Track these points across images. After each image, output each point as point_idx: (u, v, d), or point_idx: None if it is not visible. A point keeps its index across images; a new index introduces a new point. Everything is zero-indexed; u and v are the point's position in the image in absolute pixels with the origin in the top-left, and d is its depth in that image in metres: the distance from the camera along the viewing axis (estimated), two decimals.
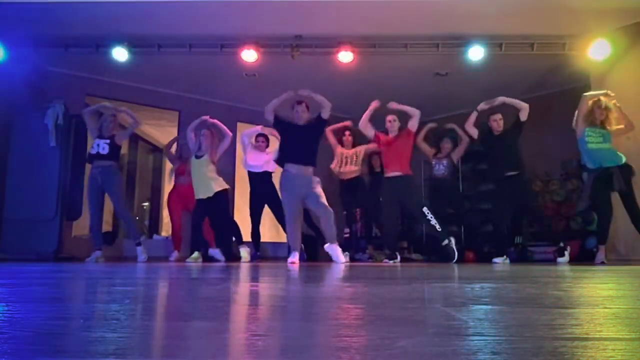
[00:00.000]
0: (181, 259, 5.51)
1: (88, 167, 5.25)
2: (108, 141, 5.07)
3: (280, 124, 4.93)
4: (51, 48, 5.49)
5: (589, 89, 5.62)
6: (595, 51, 5.33)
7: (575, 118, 4.71)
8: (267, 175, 5.80)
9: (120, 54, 5.52)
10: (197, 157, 5.27)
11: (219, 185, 5.22)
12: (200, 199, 5.18)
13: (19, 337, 0.78)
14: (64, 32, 5.34)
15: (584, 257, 5.82)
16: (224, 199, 5.28)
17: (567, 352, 0.69)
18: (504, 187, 5.04)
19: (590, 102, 4.64)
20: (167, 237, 7.21)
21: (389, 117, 5.36)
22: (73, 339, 0.78)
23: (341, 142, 5.99)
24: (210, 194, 5.14)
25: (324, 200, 4.70)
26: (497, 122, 5.14)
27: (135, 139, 9.10)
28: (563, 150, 6.61)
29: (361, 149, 5.90)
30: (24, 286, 1.84)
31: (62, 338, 0.78)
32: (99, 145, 5.05)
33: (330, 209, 4.69)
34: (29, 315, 1.03)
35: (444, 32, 5.38)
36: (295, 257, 4.62)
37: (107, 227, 8.27)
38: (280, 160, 4.94)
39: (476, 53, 5.51)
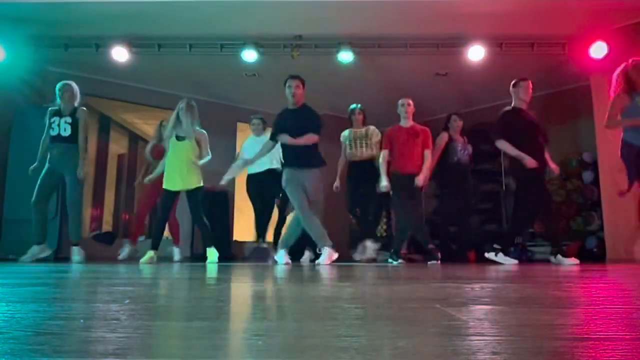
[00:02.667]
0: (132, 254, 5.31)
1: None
2: (70, 119, 4.58)
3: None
4: (51, 48, 5.50)
5: (589, 89, 5.63)
6: (595, 51, 5.34)
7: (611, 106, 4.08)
8: (269, 173, 5.41)
9: (120, 54, 5.53)
10: (178, 138, 4.60)
11: (199, 179, 4.66)
12: (169, 190, 4.58)
13: (19, 337, 0.78)
14: (64, 32, 5.34)
15: (584, 257, 5.82)
16: (201, 195, 4.75)
17: (567, 352, 0.69)
18: (532, 181, 4.33)
19: (622, 67, 4.09)
20: (166, 237, 7.20)
21: (402, 101, 4.95)
22: (73, 339, 0.78)
23: (350, 123, 5.57)
24: (189, 187, 4.58)
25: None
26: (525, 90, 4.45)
27: (135, 139, 9.11)
28: (563, 150, 6.61)
29: (374, 131, 5.42)
30: (24, 286, 1.84)
31: (62, 338, 0.78)
32: (59, 126, 4.53)
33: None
34: (29, 315, 1.03)
35: (444, 32, 5.38)
36: (330, 256, 4.10)
37: (107, 227, 8.28)
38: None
39: (476, 53, 5.51)
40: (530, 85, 4.54)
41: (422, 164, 4.84)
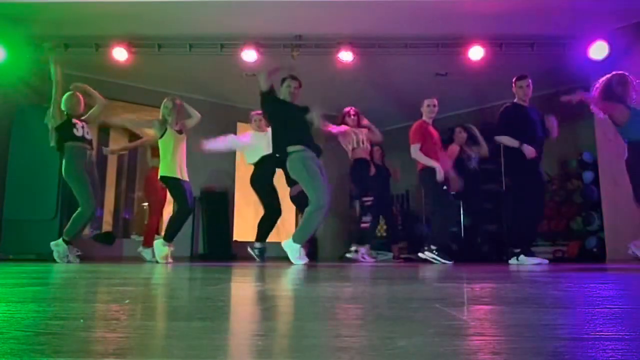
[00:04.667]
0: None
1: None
2: (86, 125, 4.62)
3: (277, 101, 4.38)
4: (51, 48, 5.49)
5: (589, 89, 5.62)
6: (595, 51, 5.34)
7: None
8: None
9: (120, 54, 5.53)
10: (179, 132, 4.74)
11: None
12: (180, 179, 4.59)
13: (19, 337, 0.78)
14: (64, 32, 5.34)
15: (584, 257, 5.81)
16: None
17: (567, 352, 0.69)
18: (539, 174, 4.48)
19: None
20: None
21: (429, 101, 4.90)
22: (73, 339, 0.78)
23: (345, 124, 5.54)
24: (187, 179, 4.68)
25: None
26: (525, 90, 4.53)
27: (135, 139, 9.08)
28: (563, 150, 6.61)
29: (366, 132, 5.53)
30: (24, 286, 1.84)
31: (62, 338, 0.78)
32: (83, 128, 4.56)
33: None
34: (29, 315, 1.03)
35: (444, 32, 5.38)
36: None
37: (107, 227, 8.28)
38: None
39: (476, 53, 5.52)
40: (525, 83, 4.59)
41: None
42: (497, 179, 7.23)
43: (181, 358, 0.65)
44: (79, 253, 4.55)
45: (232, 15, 5.16)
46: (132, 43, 5.53)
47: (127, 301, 1.32)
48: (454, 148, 5.66)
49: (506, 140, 4.46)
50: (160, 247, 4.49)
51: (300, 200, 4.66)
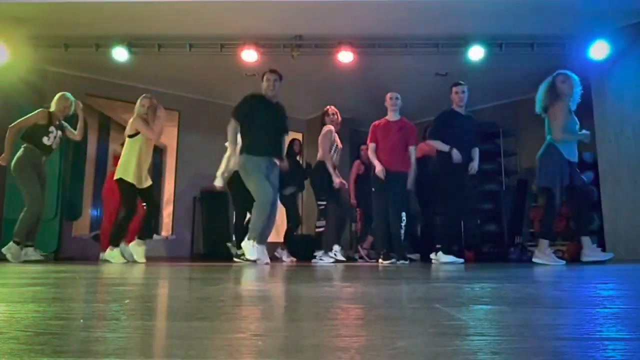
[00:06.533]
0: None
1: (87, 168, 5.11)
2: (60, 133, 4.73)
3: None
4: (51, 48, 5.50)
5: (588, 89, 5.63)
6: (595, 51, 5.34)
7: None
8: None
9: (120, 54, 5.53)
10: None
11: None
12: (135, 186, 4.65)
13: (19, 337, 0.78)
14: (64, 32, 5.34)
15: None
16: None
17: (567, 352, 0.69)
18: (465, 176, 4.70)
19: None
20: (166, 237, 7.21)
21: (391, 94, 4.96)
22: (73, 339, 0.78)
23: (324, 123, 5.57)
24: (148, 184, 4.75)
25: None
26: (460, 96, 4.72)
27: None
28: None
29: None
30: (24, 286, 1.84)
31: (62, 338, 0.78)
32: (55, 138, 4.66)
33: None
34: (29, 315, 1.03)
35: (444, 32, 5.39)
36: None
37: None
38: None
39: (476, 53, 5.52)
40: (461, 89, 4.78)
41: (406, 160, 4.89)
42: (496, 179, 7.24)
43: (181, 358, 0.65)
44: (43, 254, 4.64)
45: (232, 15, 5.17)
46: (132, 43, 5.54)
47: (127, 301, 1.32)
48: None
49: (437, 144, 4.67)
50: (137, 247, 4.59)
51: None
